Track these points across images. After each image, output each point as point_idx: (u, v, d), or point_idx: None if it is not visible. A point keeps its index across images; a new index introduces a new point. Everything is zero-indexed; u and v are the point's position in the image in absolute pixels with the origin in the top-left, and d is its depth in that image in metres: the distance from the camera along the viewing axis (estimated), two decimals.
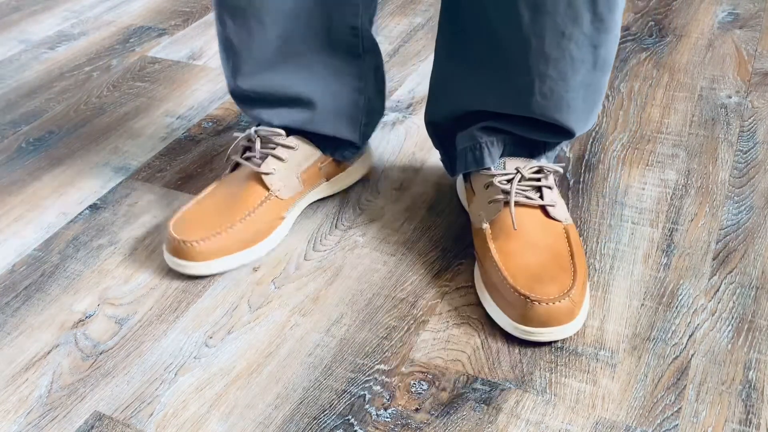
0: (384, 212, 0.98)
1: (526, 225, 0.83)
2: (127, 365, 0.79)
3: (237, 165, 0.95)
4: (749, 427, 0.70)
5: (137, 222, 0.98)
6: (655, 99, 1.19)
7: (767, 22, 1.40)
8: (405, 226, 0.96)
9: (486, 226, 0.85)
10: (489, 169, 0.87)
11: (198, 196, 0.92)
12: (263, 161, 0.91)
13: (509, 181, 0.86)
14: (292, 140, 0.93)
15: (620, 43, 1.35)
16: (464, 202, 0.96)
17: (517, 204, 0.84)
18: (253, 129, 0.93)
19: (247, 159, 0.93)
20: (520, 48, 0.79)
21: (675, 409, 0.71)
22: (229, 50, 0.89)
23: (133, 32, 1.49)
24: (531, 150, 0.88)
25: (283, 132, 0.92)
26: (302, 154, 0.94)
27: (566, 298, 0.76)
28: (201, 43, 1.45)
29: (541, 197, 0.86)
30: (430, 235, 0.94)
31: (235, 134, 0.94)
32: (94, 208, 1.01)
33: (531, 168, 0.86)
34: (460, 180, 0.98)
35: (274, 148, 0.92)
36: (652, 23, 1.43)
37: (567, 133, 0.85)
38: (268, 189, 0.91)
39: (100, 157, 1.12)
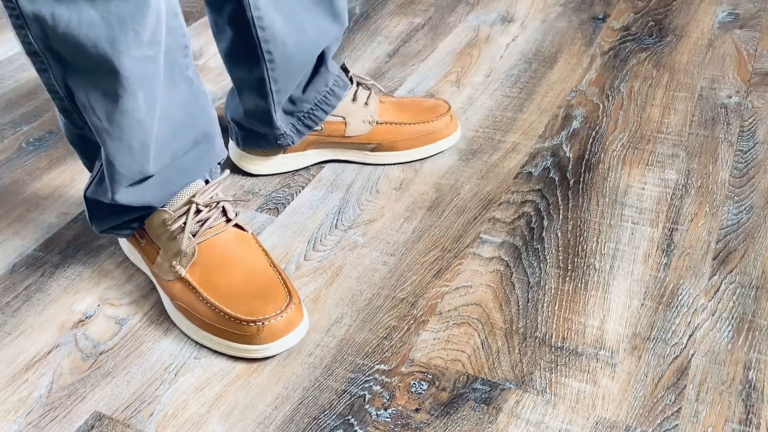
0: (384, 212, 0.98)
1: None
2: (127, 365, 0.79)
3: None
4: (749, 427, 0.70)
5: None
6: (655, 99, 1.19)
7: (767, 22, 1.40)
8: (405, 226, 0.96)
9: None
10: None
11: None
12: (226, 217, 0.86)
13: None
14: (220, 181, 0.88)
15: (620, 43, 1.36)
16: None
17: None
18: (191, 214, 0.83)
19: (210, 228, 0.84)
20: None
21: (675, 409, 0.71)
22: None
23: None
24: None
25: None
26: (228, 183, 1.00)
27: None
28: (201, 43, 1.45)
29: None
30: (430, 235, 0.94)
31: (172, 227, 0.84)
32: None
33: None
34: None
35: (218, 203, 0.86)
36: (652, 23, 1.43)
37: None
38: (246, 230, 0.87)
39: None
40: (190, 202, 0.82)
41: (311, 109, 1.01)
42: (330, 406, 0.73)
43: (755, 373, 0.74)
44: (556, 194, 0.99)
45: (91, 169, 0.86)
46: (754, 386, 0.73)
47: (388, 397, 0.74)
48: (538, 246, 0.91)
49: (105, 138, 0.75)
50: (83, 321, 0.84)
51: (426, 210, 0.98)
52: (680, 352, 0.77)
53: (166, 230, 0.82)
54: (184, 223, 0.82)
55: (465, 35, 1.42)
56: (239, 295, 0.79)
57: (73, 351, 0.80)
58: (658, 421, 0.70)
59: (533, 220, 0.95)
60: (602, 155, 1.07)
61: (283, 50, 0.93)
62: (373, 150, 1.06)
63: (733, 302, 0.82)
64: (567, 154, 1.07)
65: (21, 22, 0.68)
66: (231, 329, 0.77)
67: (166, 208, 0.83)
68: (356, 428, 0.71)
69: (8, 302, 0.87)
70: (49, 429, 0.72)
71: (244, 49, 0.93)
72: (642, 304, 0.83)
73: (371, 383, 0.75)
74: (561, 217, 0.95)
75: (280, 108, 0.99)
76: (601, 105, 1.18)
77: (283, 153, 1.05)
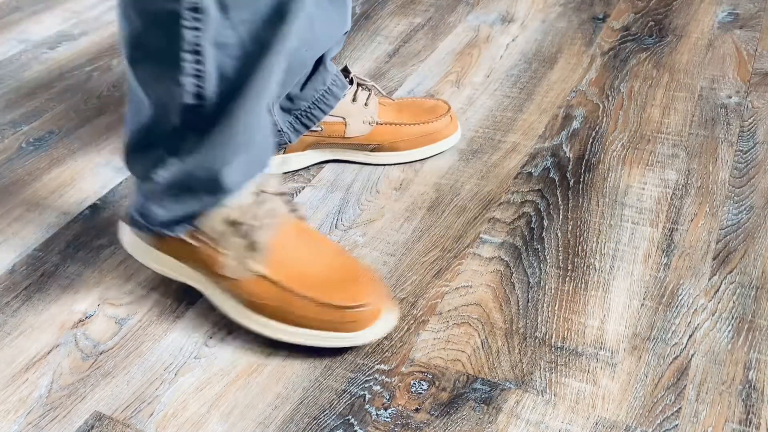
0: (384, 212, 0.98)
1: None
2: (127, 365, 0.79)
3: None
4: (749, 427, 0.70)
5: None
6: (655, 99, 1.19)
7: (767, 22, 1.40)
8: (405, 226, 0.96)
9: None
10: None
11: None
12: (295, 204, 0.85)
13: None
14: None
15: (620, 43, 1.36)
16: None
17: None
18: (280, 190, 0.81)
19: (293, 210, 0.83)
20: None
21: (675, 409, 0.71)
22: None
23: None
24: None
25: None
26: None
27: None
28: None
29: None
30: (430, 235, 0.94)
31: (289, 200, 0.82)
32: (94, 208, 1.01)
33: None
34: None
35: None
36: (652, 23, 1.43)
37: None
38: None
39: (100, 157, 1.12)
40: (259, 192, 0.77)
41: (309, 107, 1.01)
42: (330, 406, 0.73)
43: (755, 373, 0.74)
44: (556, 194, 0.99)
45: (172, 151, 0.74)
46: (754, 386, 0.73)
47: (388, 397, 0.74)
48: (538, 246, 0.91)
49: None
50: (83, 321, 0.84)
51: (426, 210, 0.98)
52: (680, 352, 0.77)
53: (233, 225, 0.76)
54: (255, 216, 0.76)
55: (465, 35, 1.42)
56: (332, 282, 0.76)
57: (73, 351, 0.80)
58: (658, 421, 0.70)
59: (533, 220, 0.95)
60: (602, 155, 1.07)
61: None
62: (373, 150, 1.06)
63: (733, 302, 0.82)
64: (567, 154, 1.07)
65: None
66: (336, 319, 0.74)
67: (229, 203, 0.76)
68: (356, 428, 0.71)
69: (8, 302, 0.87)
70: (49, 429, 0.72)
71: None
72: (642, 304, 0.83)
73: (371, 383, 0.75)
74: (561, 217, 0.95)
75: (278, 105, 0.99)
76: (601, 105, 1.18)
77: (283, 153, 1.05)
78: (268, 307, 0.76)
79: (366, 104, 1.04)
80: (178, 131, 0.73)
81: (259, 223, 0.76)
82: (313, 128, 1.03)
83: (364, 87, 1.06)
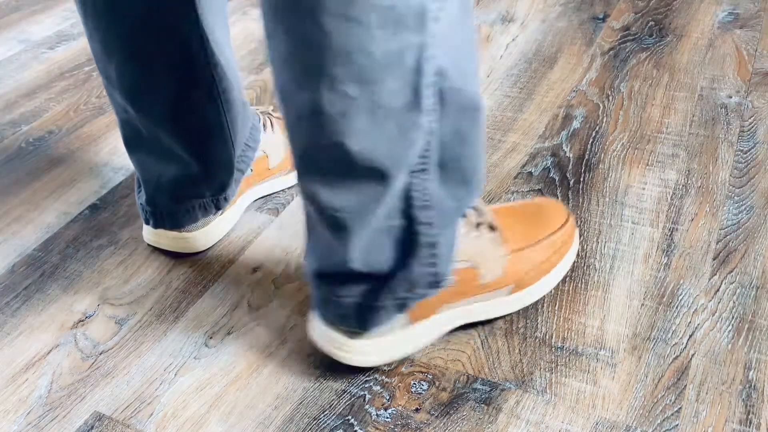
0: None
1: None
2: (126, 365, 0.79)
3: None
4: (749, 427, 0.70)
5: (137, 222, 0.98)
6: (655, 99, 1.19)
7: (767, 22, 1.40)
8: None
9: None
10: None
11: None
12: None
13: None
14: None
15: (620, 43, 1.35)
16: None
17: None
18: None
19: None
20: None
21: (675, 409, 0.71)
22: None
23: None
24: None
25: None
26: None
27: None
28: None
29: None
30: None
31: None
32: (94, 208, 1.01)
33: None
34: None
35: None
36: (652, 23, 1.43)
37: None
38: None
39: (100, 157, 1.12)
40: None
41: (242, 151, 0.93)
42: (330, 406, 0.73)
43: (755, 373, 0.74)
44: (556, 194, 0.99)
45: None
46: (754, 386, 0.73)
47: (388, 397, 0.74)
48: None
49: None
50: (83, 321, 0.84)
51: None
52: (680, 352, 0.77)
53: (477, 228, 0.76)
54: (482, 204, 0.78)
55: None
56: (533, 224, 0.81)
57: (73, 351, 0.80)
58: (658, 421, 0.70)
59: None
60: (602, 155, 1.06)
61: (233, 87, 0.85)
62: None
63: (734, 302, 0.82)
64: (567, 154, 1.07)
65: None
66: (558, 244, 0.81)
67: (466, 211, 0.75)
68: (356, 428, 0.71)
69: (8, 302, 0.87)
70: (48, 429, 0.72)
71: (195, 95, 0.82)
72: (642, 304, 0.83)
73: (371, 383, 0.75)
74: None
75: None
76: (601, 105, 1.18)
77: (221, 214, 0.94)
78: (527, 276, 0.79)
79: (274, 131, 0.99)
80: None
81: (486, 208, 0.79)
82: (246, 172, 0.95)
83: (265, 113, 1.01)
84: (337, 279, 0.71)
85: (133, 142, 0.86)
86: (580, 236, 0.92)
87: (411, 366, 0.77)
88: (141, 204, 0.91)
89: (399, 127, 0.60)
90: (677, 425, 0.70)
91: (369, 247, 0.67)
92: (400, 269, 0.69)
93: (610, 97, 1.20)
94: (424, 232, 0.68)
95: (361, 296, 0.71)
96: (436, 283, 0.71)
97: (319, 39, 0.55)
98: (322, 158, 0.62)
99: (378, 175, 0.62)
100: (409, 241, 0.68)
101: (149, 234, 0.92)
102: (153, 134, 0.83)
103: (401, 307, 0.72)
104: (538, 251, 0.81)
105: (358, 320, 0.72)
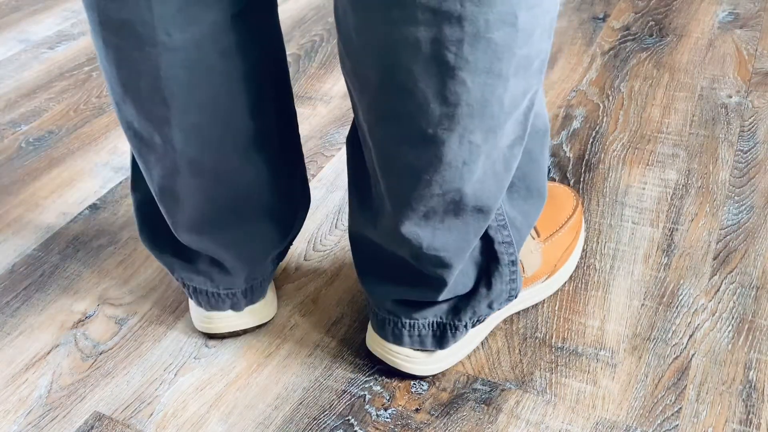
0: None
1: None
2: (127, 365, 0.79)
3: None
4: (750, 427, 0.70)
5: None
6: (655, 99, 1.19)
7: (767, 22, 1.40)
8: None
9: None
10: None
11: None
12: None
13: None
14: None
15: (620, 43, 1.35)
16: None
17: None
18: None
19: None
20: None
21: (675, 409, 0.71)
22: None
23: None
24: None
25: None
26: None
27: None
28: None
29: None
30: None
31: None
32: (94, 208, 1.01)
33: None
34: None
35: None
36: (652, 23, 1.42)
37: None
38: None
39: (100, 157, 1.12)
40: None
41: None
42: (330, 406, 0.73)
43: (755, 373, 0.74)
44: None
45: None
46: (754, 386, 0.73)
47: (388, 397, 0.74)
48: None
49: None
50: (83, 321, 0.84)
51: None
52: (680, 352, 0.77)
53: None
54: None
55: None
56: (555, 207, 0.84)
57: (73, 351, 0.80)
58: (659, 422, 0.70)
59: None
60: (602, 155, 1.06)
61: None
62: None
63: (734, 302, 0.82)
64: (567, 154, 1.07)
65: None
66: (575, 225, 0.84)
67: None
68: (356, 428, 0.71)
69: (8, 302, 0.87)
70: (48, 429, 0.72)
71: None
72: (642, 304, 0.83)
73: (371, 383, 0.75)
74: None
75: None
76: (601, 105, 1.18)
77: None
78: (559, 261, 0.82)
79: None
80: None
81: None
82: None
83: None
84: (418, 305, 0.71)
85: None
86: None
87: None
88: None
89: (505, 163, 0.61)
90: (677, 425, 0.70)
91: (457, 275, 0.68)
92: (482, 288, 0.70)
93: (611, 97, 1.20)
94: (505, 251, 0.69)
95: (442, 317, 0.71)
96: (513, 297, 0.72)
97: (458, 94, 0.54)
98: (431, 205, 0.61)
99: (483, 212, 0.63)
100: (490, 261, 0.69)
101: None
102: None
103: (478, 322, 0.73)
104: (565, 235, 0.84)
105: (436, 340, 0.72)
